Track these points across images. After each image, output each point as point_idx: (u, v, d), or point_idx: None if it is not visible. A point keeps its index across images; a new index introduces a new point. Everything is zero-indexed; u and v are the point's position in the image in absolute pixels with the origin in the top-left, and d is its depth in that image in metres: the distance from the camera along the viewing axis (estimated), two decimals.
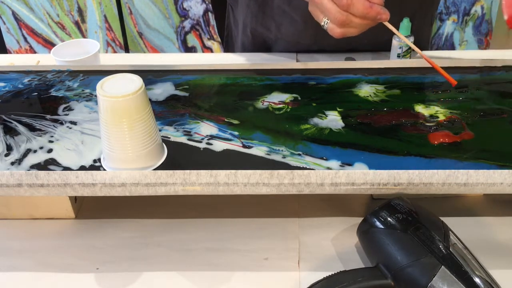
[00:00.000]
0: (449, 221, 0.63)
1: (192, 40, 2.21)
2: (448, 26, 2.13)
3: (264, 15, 1.00)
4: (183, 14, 2.14)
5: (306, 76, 0.85)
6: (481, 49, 2.15)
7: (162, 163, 0.68)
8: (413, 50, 0.97)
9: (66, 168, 0.67)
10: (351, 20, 0.69)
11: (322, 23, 0.72)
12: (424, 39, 1.06)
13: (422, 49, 1.03)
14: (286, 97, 0.79)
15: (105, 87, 0.62)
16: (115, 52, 2.24)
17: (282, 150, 0.69)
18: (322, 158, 0.67)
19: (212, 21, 2.14)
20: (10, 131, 0.74)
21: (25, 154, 0.70)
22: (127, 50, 2.20)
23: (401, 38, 0.76)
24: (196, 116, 0.76)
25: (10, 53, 2.28)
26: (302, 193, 0.63)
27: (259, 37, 1.04)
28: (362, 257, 0.65)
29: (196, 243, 0.69)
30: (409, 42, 0.77)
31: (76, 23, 2.19)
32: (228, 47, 1.15)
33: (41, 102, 0.81)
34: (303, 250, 0.67)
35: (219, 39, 2.19)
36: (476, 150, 0.67)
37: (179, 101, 0.80)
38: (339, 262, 0.65)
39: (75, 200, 0.73)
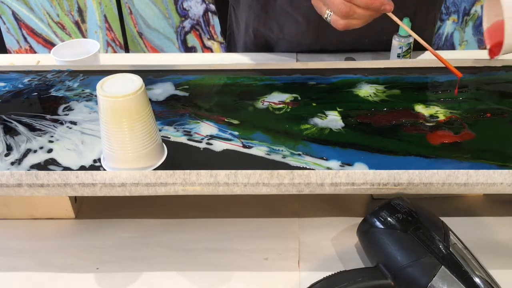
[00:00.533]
0: (449, 221, 0.63)
1: (192, 40, 2.21)
2: (448, 26, 2.13)
3: (267, 16, 1.00)
4: (183, 14, 2.14)
5: (306, 76, 0.85)
6: (481, 49, 2.15)
7: (162, 163, 0.68)
8: (415, 48, 0.97)
9: (66, 168, 0.67)
10: (355, 11, 0.68)
11: (325, 16, 0.71)
12: (426, 39, 1.06)
13: (424, 49, 1.03)
14: (286, 97, 0.79)
15: (105, 87, 0.62)
16: (115, 52, 2.24)
17: (282, 150, 0.69)
18: (322, 158, 0.67)
19: (212, 21, 2.14)
20: (10, 131, 0.74)
21: (25, 154, 0.70)
22: (127, 50, 2.20)
23: (406, 29, 0.75)
24: (196, 116, 0.76)
25: (10, 53, 2.28)
26: (302, 193, 0.63)
27: (261, 37, 1.04)
28: (362, 257, 0.65)
29: (196, 243, 0.69)
30: (413, 33, 0.76)
31: (76, 23, 2.19)
32: (230, 47, 1.15)
33: (41, 102, 0.81)
34: (303, 250, 0.67)
35: (219, 39, 2.19)
36: (476, 150, 0.67)
37: (179, 101, 0.80)
38: (339, 262, 0.65)
39: (75, 200, 0.73)
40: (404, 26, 0.74)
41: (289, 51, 1.04)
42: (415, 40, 0.95)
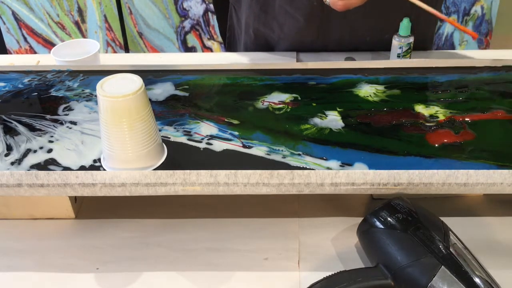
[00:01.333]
0: (449, 221, 0.63)
1: (192, 40, 2.20)
2: (448, 26, 2.13)
3: (266, 15, 1.00)
4: (183, 14, 2.13)
5: (306, 76, 0.85)
6: (481, 49, 2.15)
7: (162, 163, 0.68)
8: (415, 48, 0.97)
9: (66, 168, 0.67)
10: None
11: None
12: (428, 39, 1.07)
13: (425, 48, 1.03)
14: (286, 97, 0.79)
15: (105, 87, 0.62)
16: (115, 52, 2.24)
17: (282, 150, 0.69)
18: (322, 158, 0.67)
19: (212, 21, 2.14)
20: (10, 131, 0.74)
21: (25, 154, 0.70)
22: (127, 50, 2.20)
23: (417, 3, 0.74)
24: (196, 116, 0.76)
25: (10, 53, 2.28)
26: (302, 193, 0.63)
27: (262, 37, 1.04)
28: (362, 257, 0.65)
29: (196, 243, 0.69)
30: (422, 3, 0.75)
31: (76, 23, 2.19)
32: (230, 48, 1.15)
33: (41, 102, 0.81)
34: (303, 250, 0.67)
35: (219, 39, 2.19)
36: (476, 150, 0.68)
37: (179, 101, 0.80)
38: (339, 262, 0.65)
39: (75, 200, 0.73)
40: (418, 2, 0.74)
41: (290, 51, 1.04)
42: (418, 41, 0.95)
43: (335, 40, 1.00)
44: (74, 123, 0.75)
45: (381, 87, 0.81)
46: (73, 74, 0.88)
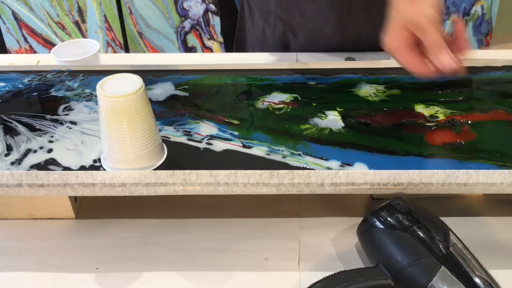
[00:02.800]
0: (449, 221, 0.63)
1: (192, 40, 2.20)
2: (448, 26, 2.13)
3: (288, 2, 1.00)
4: (183, 14, 2.14)
5: (306, 76, 0.85)
6: (481, 49, 2.15)
7: (162, 163, 0.68)
8: None
9: (66, 168, 0.67)
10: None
11: None
12: None
13: None
14: (286, 97, 0.79)
15: (105, 87, 0.62)
16: (115, 52, 2.24)
17: (282, 150, 0.69)
18: (322, 158, 0.67)
19: (212, 21, 2.14)
20: (10, 131, 0.74)
21: (25, 154, 0.70)
22: (127, 50, 2.20)
23: None
24: (196, 116, 0.76)
25: (10, 53, 2.28)
26: (302, 193, 0.63)
27: (282, 26, 1.03)
28: (362, 257, 0.65)
29: (196, 243, 0.69)
30: None
31: (76, 23, 2.19)
32: (240, 41, 1.14)
33: (41, 102, 0.81)
34: (303, 250, 0.67)
35: (219, 39, 2.19)
36: (476, 150, 0.67)
37: (179, 101, 0.80)
38: (339, 262, 0.65)
39: (75, 200, 0.73)
40: None
41: (307, 43, 1.03)
42: None
43: (355, 30, 0.99)
44: (74, 123, 0.75)
45: (381, 87, 0.81)
46: (73, 74, 0.88)
